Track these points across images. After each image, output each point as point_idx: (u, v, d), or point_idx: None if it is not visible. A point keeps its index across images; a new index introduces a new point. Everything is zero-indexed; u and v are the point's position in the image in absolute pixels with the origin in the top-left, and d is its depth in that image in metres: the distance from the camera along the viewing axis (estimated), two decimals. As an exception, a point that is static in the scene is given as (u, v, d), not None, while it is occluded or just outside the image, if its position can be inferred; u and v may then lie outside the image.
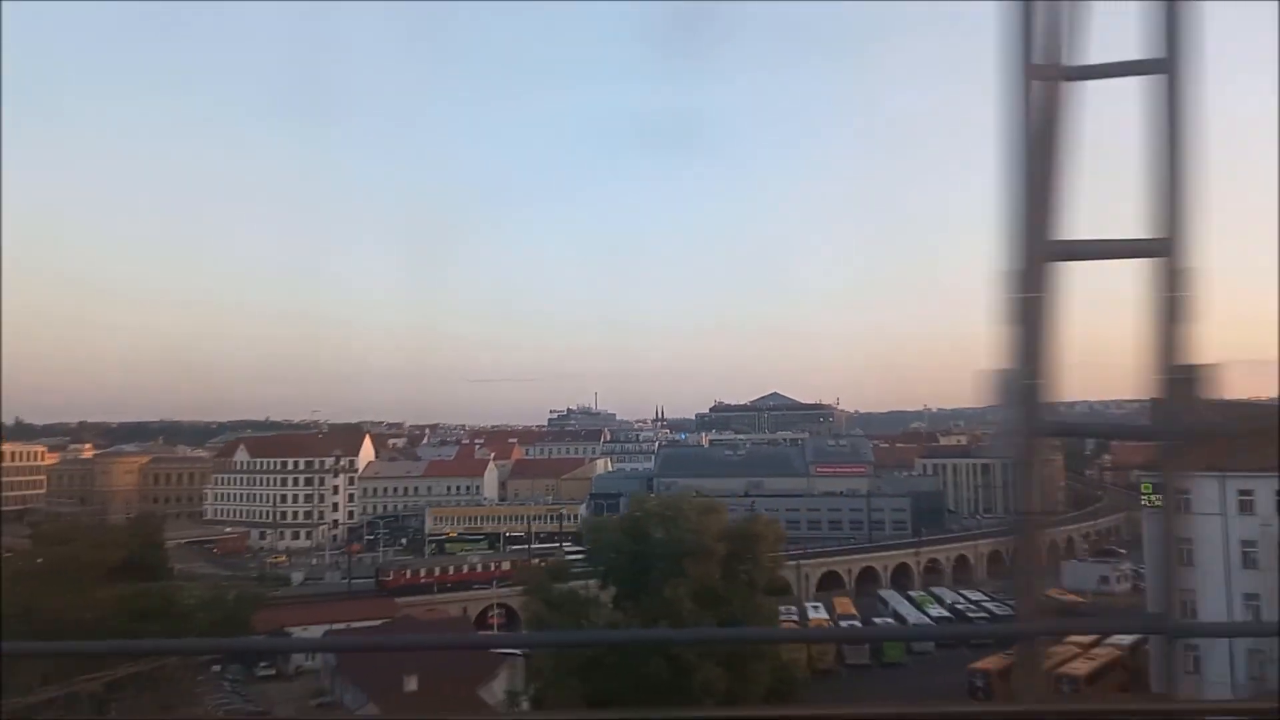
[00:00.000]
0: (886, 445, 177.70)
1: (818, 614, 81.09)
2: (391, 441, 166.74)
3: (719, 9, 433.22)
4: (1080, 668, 56.65)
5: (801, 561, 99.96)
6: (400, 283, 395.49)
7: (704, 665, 27.40)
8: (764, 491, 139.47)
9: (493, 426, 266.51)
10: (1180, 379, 4.23)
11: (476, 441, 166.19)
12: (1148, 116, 4.27)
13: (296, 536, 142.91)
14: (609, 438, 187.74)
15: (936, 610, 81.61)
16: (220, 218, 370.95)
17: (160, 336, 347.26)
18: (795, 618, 79.92)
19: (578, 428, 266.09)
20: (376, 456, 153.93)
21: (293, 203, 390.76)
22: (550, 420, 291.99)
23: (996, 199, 4.80)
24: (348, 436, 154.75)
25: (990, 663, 59.71)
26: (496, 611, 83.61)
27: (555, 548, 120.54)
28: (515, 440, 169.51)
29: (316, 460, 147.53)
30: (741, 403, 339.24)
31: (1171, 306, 3.83)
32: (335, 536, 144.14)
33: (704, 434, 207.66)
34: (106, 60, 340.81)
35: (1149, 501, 52.62)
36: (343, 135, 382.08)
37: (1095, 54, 4.78)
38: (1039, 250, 4.55)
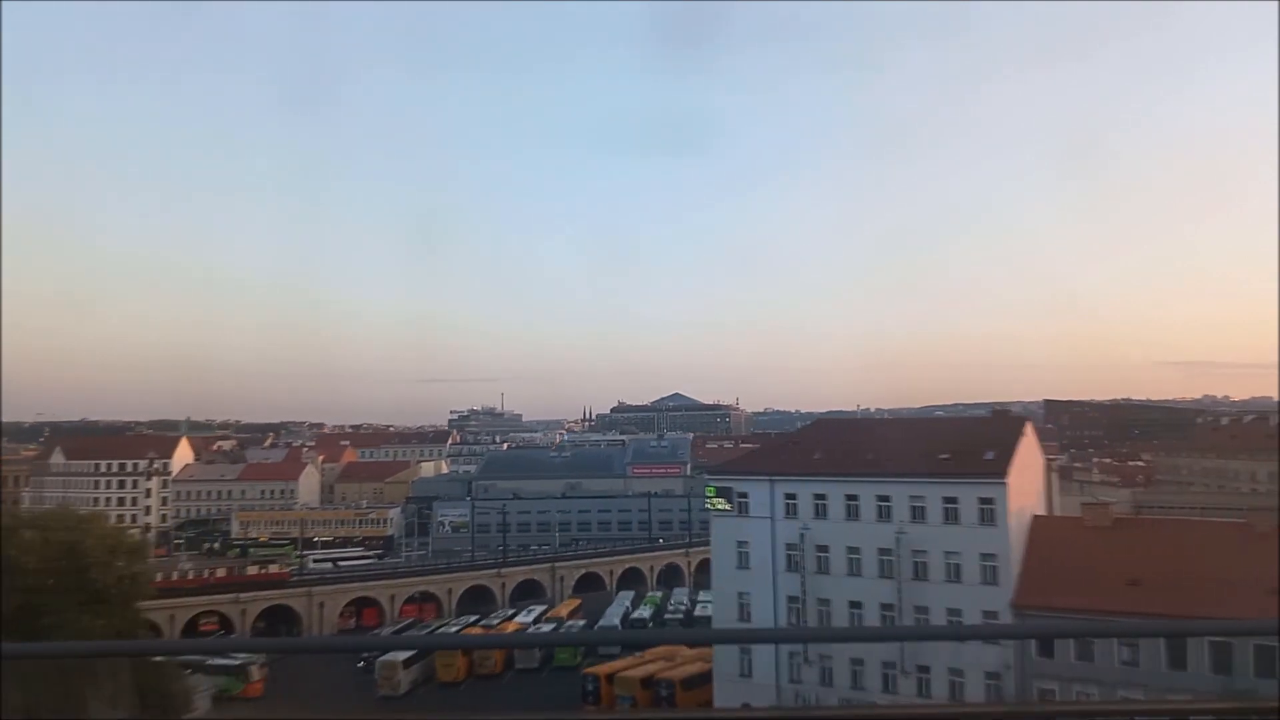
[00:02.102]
0: (731, 444, 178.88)
1: (527, 618, 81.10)
2: (218, 444, 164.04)
3: (718, 10, 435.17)
4: (678, 672, 57.30)
5: (557, 564, 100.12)
6: (391, 281, 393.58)
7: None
8: (581, 493, 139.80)
9: (419, 427, 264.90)
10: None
11: (306, 444, 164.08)
12: None
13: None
14: (458, 440, 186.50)
15: (645, 612, 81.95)
16: (217, 217, 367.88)
17: (143, 334, 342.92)
18: (490, 623, 79.92)
19: (477, 429, 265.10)
20: (197, 459, 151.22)
21: (289, 202, 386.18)
22: (450, 420, 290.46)
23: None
24: (169, 441, 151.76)
25: (601, 668, 60.28)
26: (207, 618, 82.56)
27: (352, 552, 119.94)
28: (348, 443, 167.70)
29: (130, 463, 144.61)
30: (642, 403, 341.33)
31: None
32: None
33: (558, 434, 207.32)
34: (105, 58, 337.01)
35: (712, 505, 53.32)
36: (341, 137, 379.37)
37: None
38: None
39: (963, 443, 49.52)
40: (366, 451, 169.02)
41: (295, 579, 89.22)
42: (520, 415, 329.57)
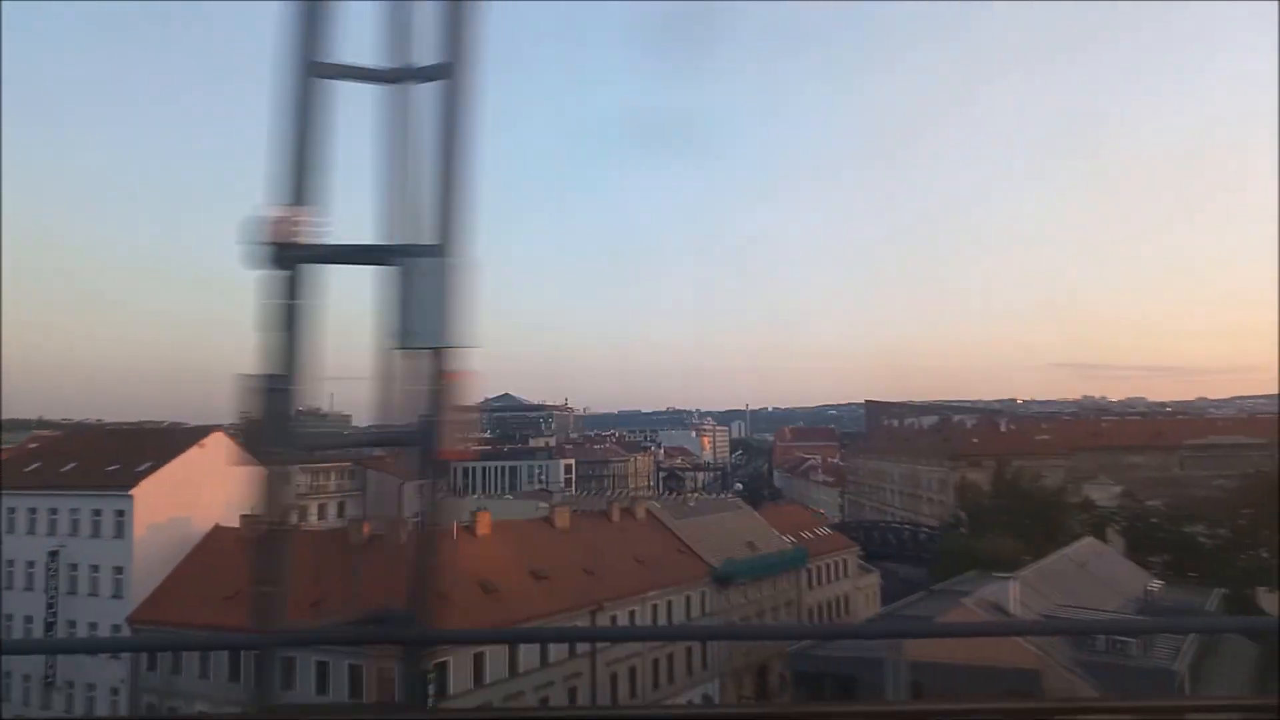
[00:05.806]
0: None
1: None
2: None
3: (719, 16, 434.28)
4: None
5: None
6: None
7: None
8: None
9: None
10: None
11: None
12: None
13: None
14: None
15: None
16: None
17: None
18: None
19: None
20: None
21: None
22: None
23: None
24: None
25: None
26: None
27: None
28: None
29: None
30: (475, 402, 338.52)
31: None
32: None
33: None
34: (106, 59, 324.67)
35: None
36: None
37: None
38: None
39: (139, 453, 48.94)
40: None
41: None
42: (350, 416, 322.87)
